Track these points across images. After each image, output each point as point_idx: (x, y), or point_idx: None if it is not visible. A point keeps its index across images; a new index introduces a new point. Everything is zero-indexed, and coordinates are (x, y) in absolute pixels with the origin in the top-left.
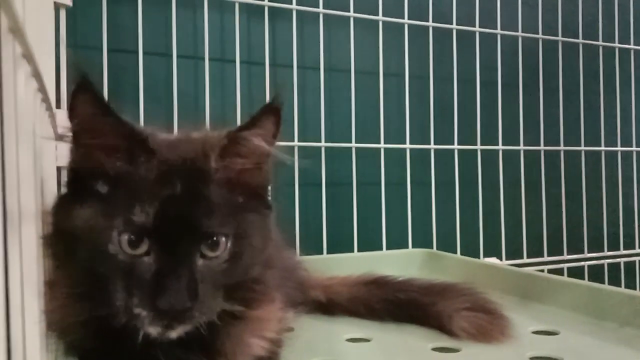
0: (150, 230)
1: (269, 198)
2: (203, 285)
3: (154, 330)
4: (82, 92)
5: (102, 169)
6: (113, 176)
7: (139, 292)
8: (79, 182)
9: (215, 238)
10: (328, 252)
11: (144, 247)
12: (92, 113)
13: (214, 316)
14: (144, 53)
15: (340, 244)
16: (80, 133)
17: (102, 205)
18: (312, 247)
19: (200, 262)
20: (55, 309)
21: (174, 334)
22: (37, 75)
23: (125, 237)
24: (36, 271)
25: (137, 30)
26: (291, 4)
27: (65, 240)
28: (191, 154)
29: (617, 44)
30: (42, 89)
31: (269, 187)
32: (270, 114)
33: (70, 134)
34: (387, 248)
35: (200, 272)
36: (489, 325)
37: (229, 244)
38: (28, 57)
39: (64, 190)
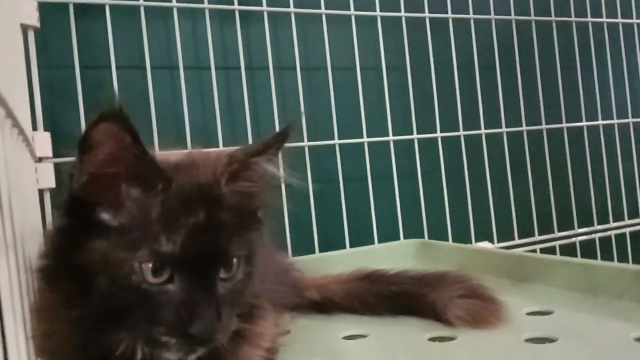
0: (177, 260)
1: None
2: (225, 309)
3: (174, 356)
4: (111, 120)
5: (116, 199)
6: (129, 206)
7: (166, 321)
8: (82, 211)
9: (233, 260)
10: (320, 251)
11: (165, 275)
12: (117, 142)
13: (229, 335)
14: (118, 67)
15: (331, 242)
16: (95, 161)
17: (118, 236)
18: (303, 247)
19: (220, 286)
20: (50, 336)
21: (193, 356)
22: (2, 102)
23: (149, 266)
24: (17, 298)
25: (108, 45)
26: (261, 5)
27: (73, 273)
28: (204, 179)
29: (589, 19)
30: (10, 114)
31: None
32: (282, 141)
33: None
34: (379, 241)
35: (222, 296)
36: (483, 310)
37: (242, 265)
38: None
39: (60, 218)
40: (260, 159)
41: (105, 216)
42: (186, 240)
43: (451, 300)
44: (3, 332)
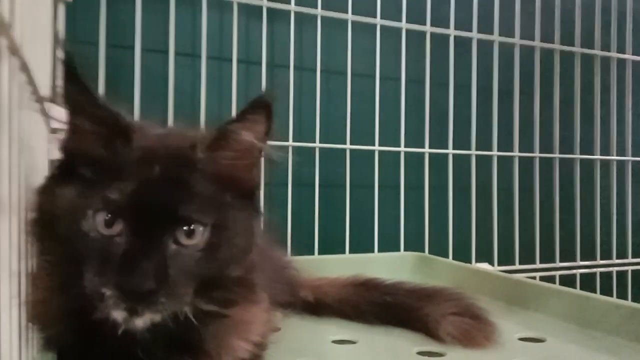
0: (125, 210)
1: (259, 202)
2: (173, 272)
3: (119, 315)
4: (70, 81)
5: (87, 153)
6: (96, 160)
7: (104, 271)
8: (67, 165)
9: (191, 225)
10: (319, 253)
11: (117, 228)
12: (79, 100)
13: (182, 307)
14: (142, 49)
15: (332, 245)
16: (71, 118)
17: (82, 186)
18: (303, 247)
19: (173, 247)
20: (37, 302)
21: (139, 321)
22: (25, 68)
23: (100, 216)
24: (15, 262)
25: (135, 27)
26: (290, 4)
27: (47, 221)
28: (177, 142)
29: (614, 54)
30: (30, 81)
31: (259, 190)
32: (261, 109)
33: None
34: (379, 250)
35: (172, 257)
36: (474, 330)
37: (206, 234)
38: (14, 50)
39: (51, 172)
40: (237, 126)
41: (78, 169)
42: (135, 191)
43: (444, 316)
44: None
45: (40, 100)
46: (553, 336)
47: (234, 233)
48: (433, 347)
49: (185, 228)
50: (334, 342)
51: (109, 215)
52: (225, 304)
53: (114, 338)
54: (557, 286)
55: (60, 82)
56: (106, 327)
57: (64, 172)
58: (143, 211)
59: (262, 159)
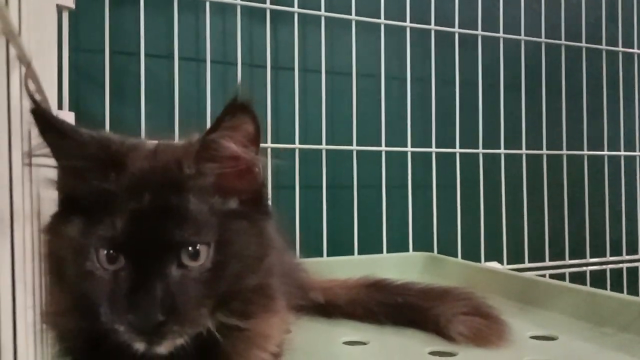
0: (122, 245)
1: (267, 204)
2: (181, 298)
3: (140, 346)
4: (36, 119)
5: (81, 187)
6: (90, 193)
7: (113, 308)
8: (67, 201)
9: (190, 247)
10: (328, 255)
11: (120, 263)
12: (54, 137)
13: (200, 328)
14: (146, 55)
15: (340, 247)
16: (58, 162)
17: (83, 223)
18: (312, 249)
19: (177, 273)
20: (58, 314)
21: (161, 349)
22: (33, 76)
23: (103, 253)
24: (30, 271)
25: (139, 33)
26: (293, 6)
27: (55, 261)
28: (164, 162)
29: (620, 48)
30: (39, 89)
31: (265, 193)
32: (238, 113)
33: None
34: (388, 251)
35: (177, 283)
36: (486, 329)
37: (210, 252)
38: (23, 59)
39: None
40: (215, 135)
41: (77, 203)
42: (127, 225)
43: (455, 316)
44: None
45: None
46: (565, 334)
47: (243, 244)
48: (445, 347)
49: (186, 251)
50: (345, 343)
51: (110, 252)
52: (245, 315)
53: (134, 356)
54: (568, 284)
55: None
56: (125, 348)
57: (65, 209)
58: (139, 244)
59: (260, 163)
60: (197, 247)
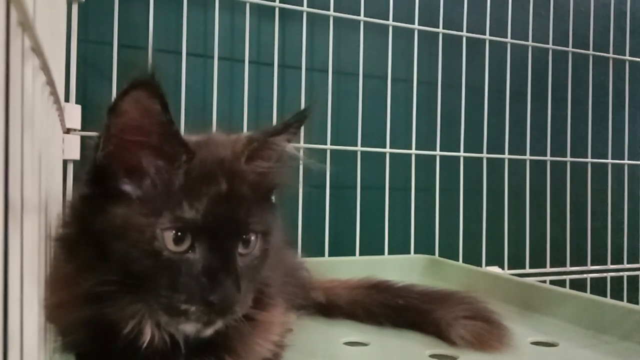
0: (197, 227)
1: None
2: (244, 282)
3: (192, 327)
4: (141, 88)
5: (140, 167)
6: (153, 175)
7: (187, 288)
8: (106, 180)
9: (253, 235)
10: (330, 255)
11: (186, 244)
12: (146, 110)
13: (246, 310)
14: (154, 50)
15: (342, 247)
16: (122, 130)
17: (141, 203)
18: (314, 249)
19: (241, 258)
20: (61, 306)
21: (210, 330)
22: (45, 68)
23: (170, 234)
24: (37, 263)
25: (148, 27)
26: (302, 5)
27: (95, 241)
28: (224, 155)
29: (627, 57)
30: (50, 82)
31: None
32: (301, 122)
33: (101, 129)
34: (389, 253)
35: (241, 268)
36: (487, 334)
37: (259, 242)
38: (37, 50)
39: (81, 187)
40: (279, 138)
41: (127, 185)
42: (208, 209)
43: (456, 320)
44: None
45: (57, 100)
46: (565, 341)
47: (274, 237)
48: (445, 350)
49: (248, 238)
50: (346, 344)
51: (179, 233)
52: (258, 305)
53: (137, 348)
54: (569, 290)
55: (75, 84)
56: (130, 338)
57: (104, 188)
58: (218, 227)
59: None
60: (257, 236)
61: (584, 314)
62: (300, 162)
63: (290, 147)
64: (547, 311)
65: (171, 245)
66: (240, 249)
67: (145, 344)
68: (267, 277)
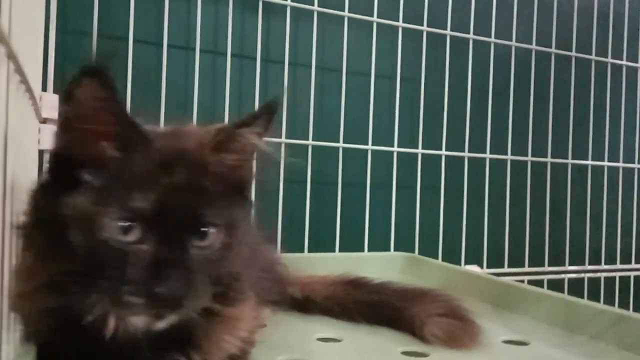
0: (147, 217)
1: (250, 194)
2: (197, 275)
3: (141, 321)
4: (90, 76)
5: (95, 156)
6: (108, 164)
7: (133, 280)
8: (65, 168)
9: (208, 228)
10: (309, 251)
11: (135, 234)
12: (97, 98)
13: (200, 308)
14: (135, 41)
15: (322, 243)
16: (76, 118)
17: (94, 192)
18: (293, 244)
19: (194, 251)
20: (23, 296)
21: (161, 324)
22: (12, 56)
23: (119, 224)
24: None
25: (128, 17)
26: (286, 0)
27: (49, 229)
28: (187, 145)
29: (609, 59)
30: (19, 70)
31: (251, 183)
32: (270, 114)
33: (58, 117)
34: (369, 250)
35: (195, 261)
36: (459, 331)
37: (220, 235)
38: (1, 38)
39: (45, 176)
40: (246, 130)
41: (84, 173)
42: (159, 199)
43: (430, 317)
44: None
45: (29, 89)
46: (537, 340)
47: (239, 230)
48: (418, 347)
49: (205, 231)
50: (319, 339)
51: (128, 223)
52: (225, 301)
53: (101, 339)
54: (543, 290)
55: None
56: (94, 329)
57: (62, 175)
58: (169, 218)
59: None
60: (215, 228)
61: (557, 313)
62: (271, 156)
63: (262, 141)
64: (522, 310)
65: (119, 236)
66: (197, 242)
67: (108, 337)
68: (236, 272)
